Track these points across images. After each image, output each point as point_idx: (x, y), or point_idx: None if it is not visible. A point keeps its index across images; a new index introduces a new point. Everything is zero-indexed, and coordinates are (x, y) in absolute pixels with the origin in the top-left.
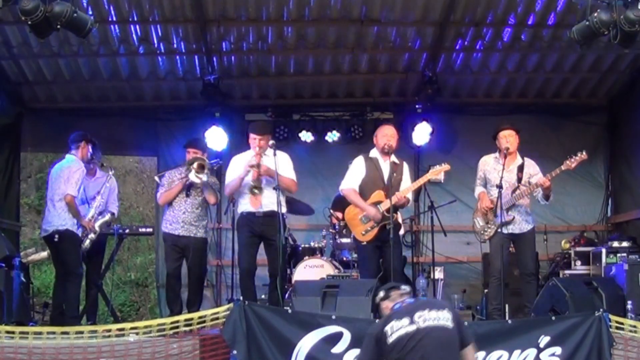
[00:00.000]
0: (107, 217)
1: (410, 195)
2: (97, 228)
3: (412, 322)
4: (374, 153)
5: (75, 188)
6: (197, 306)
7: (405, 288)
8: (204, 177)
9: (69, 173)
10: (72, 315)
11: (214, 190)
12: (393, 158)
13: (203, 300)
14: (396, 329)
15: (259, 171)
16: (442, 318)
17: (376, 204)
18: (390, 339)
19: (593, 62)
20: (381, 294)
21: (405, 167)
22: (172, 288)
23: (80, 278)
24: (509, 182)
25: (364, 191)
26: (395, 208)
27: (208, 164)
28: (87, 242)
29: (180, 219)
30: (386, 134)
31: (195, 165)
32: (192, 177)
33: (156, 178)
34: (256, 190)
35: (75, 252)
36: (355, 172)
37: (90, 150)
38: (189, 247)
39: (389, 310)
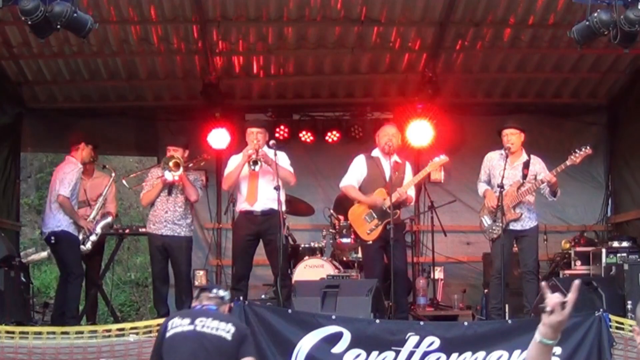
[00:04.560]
0: (109, 219)
1: (413, 194)
2: (98, 230)
3: (191, 323)
4: (375, 152)
5: (67, 189)
6: (189, 307)
7: (217, 292)
8: (177, 176)
9: (63, 174)
10: (72, 316)
11: (194, 187)
12: (395, 157)
13: None
14: (175, 326)
15: (258, 149)
16: (221, 329)
17: None
18: (168, 334)
19: (593, 62)
20: (195, 293)
21: (408, 167)
22: (158, 290)
23: (80, 278)
24: (513, 179)
25: (366, 190)
26: (397, 206)
27: (182, 161)
28: (88, 245)
29: (163, 219)
30: (387, 133)
31: (171, 163)
32: (167, 175)
33: (124, 182)
34: (254, 166)
35: (72, 253)
36: (355, 170)
37: (92, 151)
38: (173, 247)
39: None
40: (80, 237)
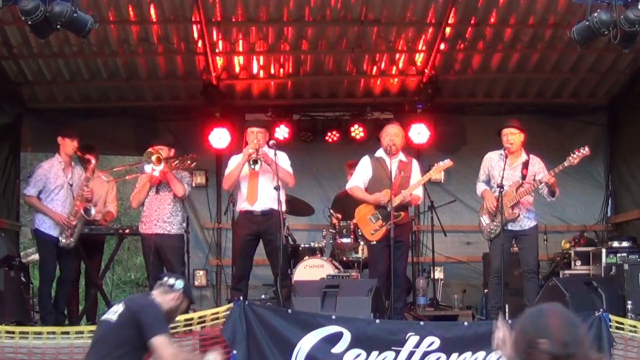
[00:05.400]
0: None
1: (420, 193)
2: (76, 222)
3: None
4: (380, 153)
5: (30, 187)
6: None
7: (167, 280)
8: (157, 170)
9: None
10: (42, 315)
11: (181, 182)
12: (401, 156)
13: (203, 300)
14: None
15: (258, 149)
16: (111, 312)
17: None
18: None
19: (593, 62)
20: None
21: (415, 165)
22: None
23: (48, 277)
24: (513, 179)
25: (372, 191)
26: (403, 206)
27: (163, 156)
28: (70, 240)
29: (153, 217)
30: (389, 133)
31: (153, 158)
32: (147, 167)
33: (103, 177)
34: (254, 165)
35: (42, 251)
36: (361, 172)
37: (72, 143)
38: (164, 245)
39: None
40: (63, 235)
